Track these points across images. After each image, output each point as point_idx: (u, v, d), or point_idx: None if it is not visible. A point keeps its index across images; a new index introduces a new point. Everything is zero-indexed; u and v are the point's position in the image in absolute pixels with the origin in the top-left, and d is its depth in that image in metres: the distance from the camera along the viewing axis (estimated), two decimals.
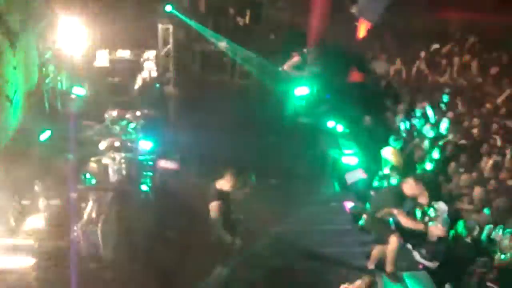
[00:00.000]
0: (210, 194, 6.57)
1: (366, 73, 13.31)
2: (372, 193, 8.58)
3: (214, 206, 6.46)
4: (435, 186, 8.56)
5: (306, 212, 8.77)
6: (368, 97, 11.92)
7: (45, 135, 9.86)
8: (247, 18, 14.18)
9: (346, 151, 10.00)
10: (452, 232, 7.67)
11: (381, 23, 13.89)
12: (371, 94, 12.23)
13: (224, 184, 6.59)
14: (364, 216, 7.81)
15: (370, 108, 11.23)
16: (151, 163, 9.40)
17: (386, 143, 9.62)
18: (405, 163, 9.32)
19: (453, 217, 7.75)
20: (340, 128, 10.68)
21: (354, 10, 13.27)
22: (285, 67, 11.99)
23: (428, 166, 9.16)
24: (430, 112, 10.56)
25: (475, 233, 7.36)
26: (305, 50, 12.33)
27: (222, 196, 6.55)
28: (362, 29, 14.44)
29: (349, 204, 9.01)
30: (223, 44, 13.37)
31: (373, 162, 9.65)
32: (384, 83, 12.63)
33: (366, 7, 12.62)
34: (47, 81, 10.86)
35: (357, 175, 9.51)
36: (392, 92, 12.17)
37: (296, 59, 12.02)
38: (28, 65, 10.26)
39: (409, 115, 10.84)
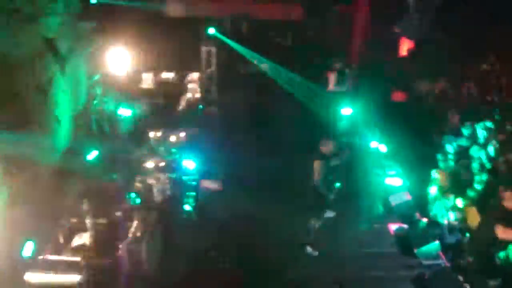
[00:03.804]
0: (314, 156, 7.85)
1: (409, 92, 13.11)
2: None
3: (316, 163, 7.76)
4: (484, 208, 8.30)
5: (349, 234, 8.66)
6: (412, 117, 11.72)
7: (92, 155, 10.14)
8: (289, 39, 14.26)
9: (390, 172, 9.83)
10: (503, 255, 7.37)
11: (424, 41, 13.69)
12: (414, 114, 12.02)
13: (323, 148, 7.82)
14: None
15: (413, 128, 11.04)
16: (194, 183, 9.51)
17: (432, 164, 9.40)
18: (452, 185, 9.08)
19: None
20: (383, 148, 10.52)
21: (396, 28, 13.12)
22: (331, 86, 11.97)
23: (477, 187, 8.88)
24: (479, 132, 10.26)
25: None
26: (347, 70, 12.28)
27: (323, 157, 7.81)
28: (405, 48, 14.28)
29: (393, 227, 8.82)
30: (265, 66, 13.48)
31: (418, 183, 9.44)
32: (428, 102, 12.39)
33: (408, 25, 12.48)
34: (94, 102, 11.20)
35: (401, 197, 9.30)
36: (437, 111, 11.92)
37: (332, 77, 12.00)
38: (77, 87, 10.63)
39: (455, 135, 10.57)
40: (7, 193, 7.70)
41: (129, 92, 12.55)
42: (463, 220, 8.22)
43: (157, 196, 8.98)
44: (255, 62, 13.48)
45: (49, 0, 8.97)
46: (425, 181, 9.41)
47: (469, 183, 9.10)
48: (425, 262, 7.91)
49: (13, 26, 7.91)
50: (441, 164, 9.39)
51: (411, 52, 14.19)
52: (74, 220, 8.04)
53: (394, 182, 9.53)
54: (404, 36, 13.97)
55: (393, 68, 13.60)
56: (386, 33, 14.21)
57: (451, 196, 8.46)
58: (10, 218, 7.57)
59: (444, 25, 12.80)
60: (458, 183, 9.24)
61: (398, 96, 13.25)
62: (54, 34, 9.39)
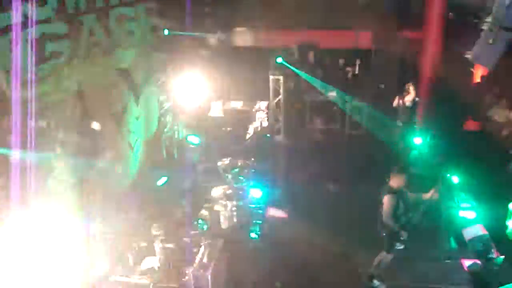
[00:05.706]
0: (384, 191, 7.54)
1: (484, 121, 12.59)
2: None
3: (386, 198, 7.43)
4: None
5: (420, 268, 8.35)
6: (486, 146, 11.23)
7: (162, 181, 10.45)
8: (356, 67, 14.15)
9: (463, 205, 9.40)
10: None
11: (499, 68, 13.16)
12: (489, 143, 11.51)
13: (393, 182, 7.48)
14: None
15: (488, 157, 10.56)
16: (260, 211, 9.55)
17: (509, 196, 8.90)
18: None
19: None
20: (456, 179, 10.11)
21: (468, 55, 12.70)
22: (401, 115, 11.76)
23: None
24: None
25: None
26: (417, 98, 11.99)
27: (393, 191, 7.45)
28: (478, 75, 13.78)
29: (467, 262, 8.40)
30: (332, 94, 13.43)
31: (494, 217, 8.95)
32: (504, 131, 11.83)
33: (482, 52, 12.04)
34: (165, 130, 11.59)
35: (476, 231, 8.84)
36: None
37: (403, 105, 11.78)
38: (149, 115, 11.06)
39: None
40: (82, 217, 8.08)
41: (198, 120, 12.88)
42: None
43: (224, 223, 9.09)
44: (323, 90, 13.45)
45: (126, 34, 9.47)
46: (502, 214, 8.90)
47: None
48: None
49: (91, 58, 8.40)
50: None
51: (485, 79, 13.68)
52: (144, 244, 8.27)
53: (468, 215, 9.09)
54: (477, 63, 13.51)
55: (467, 95, 13.15)
56: (459, 60, 13.81)
57: None
58: (84, 240, 7.92)
59: None
60: None
61: (472, 125, 12.76)
62: (129, 65, 9.88)
